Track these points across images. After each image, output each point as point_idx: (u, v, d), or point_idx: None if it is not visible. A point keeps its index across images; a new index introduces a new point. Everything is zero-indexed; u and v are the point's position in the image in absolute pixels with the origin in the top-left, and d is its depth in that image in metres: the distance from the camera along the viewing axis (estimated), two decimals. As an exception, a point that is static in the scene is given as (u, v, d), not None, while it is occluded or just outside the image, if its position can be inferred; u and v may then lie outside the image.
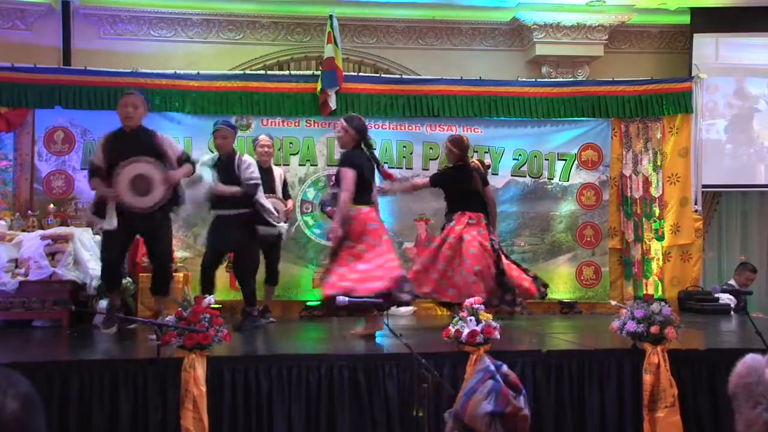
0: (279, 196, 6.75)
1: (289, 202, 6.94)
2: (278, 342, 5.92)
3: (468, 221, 6.30)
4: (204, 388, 4.08)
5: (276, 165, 7.14)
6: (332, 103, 7.67)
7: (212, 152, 7.63)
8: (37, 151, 7.52)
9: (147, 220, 5.57)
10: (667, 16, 8.80)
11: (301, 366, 4.37)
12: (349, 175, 5.43)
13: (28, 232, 6.75)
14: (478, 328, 4.50)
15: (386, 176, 5.89)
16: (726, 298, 7.58)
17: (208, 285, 5.99)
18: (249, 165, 6.06)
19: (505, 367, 1.98)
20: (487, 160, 7.42)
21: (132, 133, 5.63)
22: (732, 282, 8.14)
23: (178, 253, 7.26)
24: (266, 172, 6.58)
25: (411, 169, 7.96)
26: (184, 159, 5.77)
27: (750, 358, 1.69)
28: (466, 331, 4.51)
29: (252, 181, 5.97)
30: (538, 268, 7.66)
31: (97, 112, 7.48)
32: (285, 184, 6.99)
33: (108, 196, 5.52)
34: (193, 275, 7.15)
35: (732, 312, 7.44)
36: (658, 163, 8.28)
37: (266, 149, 6.80)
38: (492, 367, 1.96)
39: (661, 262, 8.20)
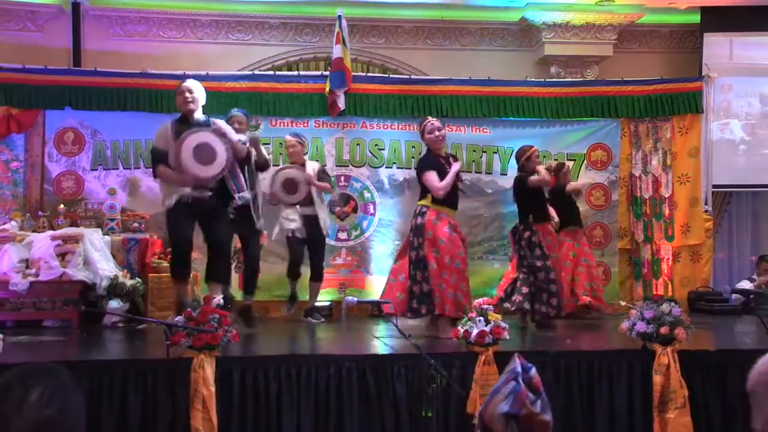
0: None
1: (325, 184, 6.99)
2: (287, 342, 5.93)
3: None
4: (213, 388, 4.09)
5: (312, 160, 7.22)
6: (341, 104, 7.68)
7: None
8: (48, 152, 7.55)
9: (205, 208, 5.47)
10: (677, 15, 8.76)
11: (310, 366, 4.37)
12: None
13: (39, 232, 6.78)
14: (487, 329, 4.51)
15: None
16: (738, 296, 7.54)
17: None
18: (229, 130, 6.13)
19: (533, 370, 1.97)
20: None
21: (192, 119, 5.56)
22: (754, 277, 8.13)
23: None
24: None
25: (420, 169, 7.94)
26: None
27: None
28: (475, 332, 4.51)
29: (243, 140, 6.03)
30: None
31: (107, 113, 7.52)
32: (323, 172, 7.00)
33: (175, 181, 5.41)
34: (202, 276, 7.16)
35: (744, 310, 7.39)
36: (668, 163, 8.24)
37: (291, 149, 6.90)
38: (519, 369, 1.96)
39: (671, 263, 8.16)
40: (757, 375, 1.67)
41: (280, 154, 7.54)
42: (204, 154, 5.34)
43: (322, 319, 6.87)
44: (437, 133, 5.84)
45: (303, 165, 6.79)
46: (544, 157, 8.09)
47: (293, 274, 6.86)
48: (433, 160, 5.82)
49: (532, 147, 6.68)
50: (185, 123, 5.53)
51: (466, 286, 5.62)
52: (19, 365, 1.49)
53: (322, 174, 6.93)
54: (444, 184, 5.62)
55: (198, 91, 5.62)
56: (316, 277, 6.96)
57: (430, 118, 6.09)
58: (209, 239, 5.65)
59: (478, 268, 7.56)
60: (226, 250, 5.77)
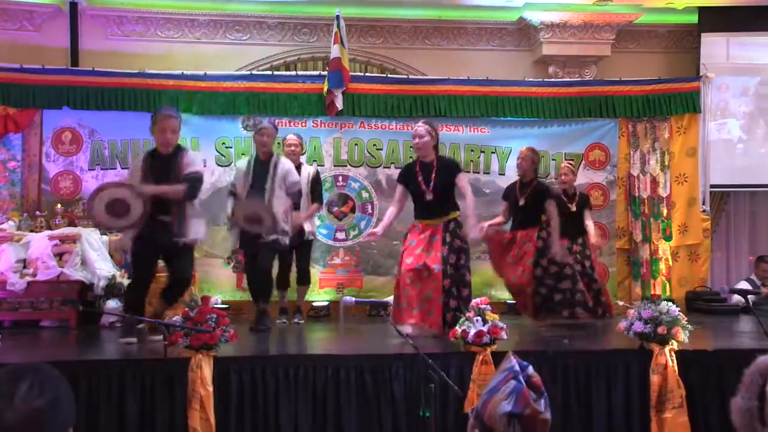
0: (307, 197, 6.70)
1: (313, 207, 6.75)
2: (285, 342, 5.93)
3: None
4: (211, 388, 4.09)
5: (309, 164, 7.22)
6: (339, 104, 7.67)
7: (220, 153, 7.69)
8: (45, 152, 7.54)
9: (167, 240, 5.26)
10: (675, 15, 8.77)
11: (308, 366, 4.37)
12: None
13: (36, 232, 6.77)
14: (485, 329, 4.51)
15: None
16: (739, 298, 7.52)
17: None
18: (289, 170, 6.13)
19: (530, 369, 1.97)
20: None
21: (167, 156, 5.34)
22: (752, 277, 8.14)
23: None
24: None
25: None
26: (186, 179, 5.29)
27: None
28: (472, 332, 4.51)
29: (296, 187, 6.11)
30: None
31: (104, 113, 7.51)
32: (316, 182, 6.84)
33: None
34: (200, 276, 7.17)
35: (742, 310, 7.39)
36: (666, 163, 8.25)
37: (293, 148, 6.80)
38: (517, 367, 1.95)
39: (669, 263, 8.17)
40: (753, 366, 1.67)
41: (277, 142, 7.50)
42: (119, 210, 5.09)
43: (302, 320, 6.77)
44: (415, 140, 5.71)
45: (298, 166, 6.72)
46: (542, 157, 8.10)
47: (281, 284, 6.68)
48: (405, 171, 5.81)
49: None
50: (159, 159, 5.39)
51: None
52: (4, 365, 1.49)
53: (315, 184, 6.82)
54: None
55: (178, 132, 5.47)
56: (303, 281, 6.89)
57: (420, 122, 5.92)
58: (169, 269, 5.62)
59: (477, 268, 7.55)
60: (183, 279, 5.51)
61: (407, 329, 5.08)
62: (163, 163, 5.29)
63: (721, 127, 8.69)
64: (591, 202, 7.39)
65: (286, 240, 6.04)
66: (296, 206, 6.21)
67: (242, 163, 6.38)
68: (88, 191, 7.47)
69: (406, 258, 5.52)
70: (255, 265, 5.98)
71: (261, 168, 6.11)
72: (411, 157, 7.77)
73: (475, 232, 5.68)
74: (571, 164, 7.43)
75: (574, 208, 6.98)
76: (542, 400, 1.93)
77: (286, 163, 6.20)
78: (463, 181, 5.76)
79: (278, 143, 6.80)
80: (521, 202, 6.44)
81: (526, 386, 1.92)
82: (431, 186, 5.61)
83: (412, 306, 5.39)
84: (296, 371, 4.34)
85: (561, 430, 4.49)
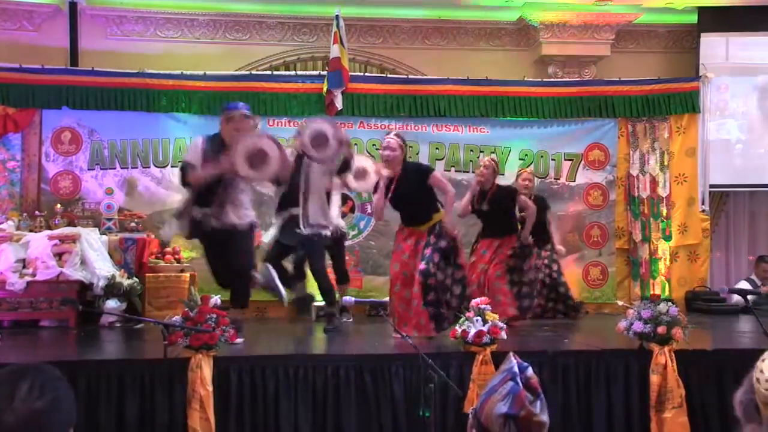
0: None
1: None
2: (285, 342, 5.92)
3: None
4: (210, 388, 4.09)
5: None
6: (339, 104, 7.68)
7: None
8: (45, 152, 7.54)
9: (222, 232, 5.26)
10: (674, 15, 8.77)
11: (308, 366, 4.37)
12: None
13: (36, 232, 6.77)
14: (485, 329, 4.51)
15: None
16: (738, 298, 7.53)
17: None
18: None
19: (530, 370, 1.97)
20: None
21: None
22: (752, 277, 8.15)
23: (185, 254, 7.27)
24: None
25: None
26: None
27: None
28: (472, 332, 4.51)
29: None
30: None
31: (104, 113, 7.51)
32: None
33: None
34: (200, 275, 7.16)
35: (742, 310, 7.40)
36: (665, 163, 8.25)
37: None
38: (515, 369, 1.96)
39: (668, 262, 8.17)
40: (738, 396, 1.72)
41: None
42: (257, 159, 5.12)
43: (350, 318, 6.81)
44: (386, 152, 5.53)
45: None
46: (542, 156, 8.11)
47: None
48: (379, 179, 5.73)
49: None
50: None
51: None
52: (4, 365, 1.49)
53: None
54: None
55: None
56: (342, 279, 6.82)
57: (392, 133, 5.80)
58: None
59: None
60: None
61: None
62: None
63: (721, 127, 8.69)
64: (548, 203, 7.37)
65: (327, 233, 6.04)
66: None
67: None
68: (87, 191, 7.51)
69: (393, 264, 5.57)
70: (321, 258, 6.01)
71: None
72: (410, 157, 7.77)
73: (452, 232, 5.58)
74: (531, 172, 7.35)
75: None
76: (538, 402, 1.93)
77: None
78: (437, 179, 5.63)
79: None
80: (485, 208, 6.34)
81: (523, 388, 1.92)
82: (389, 197, 5.56)
83: (405, 314, 5.42)
84: (296, 371, 4.34)
85: (561, 430, 4.49)
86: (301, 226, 5.85)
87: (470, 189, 6.53)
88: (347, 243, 7.82)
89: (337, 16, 7.69)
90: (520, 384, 1.93)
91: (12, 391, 1.35)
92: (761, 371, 1.56)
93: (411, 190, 5.51)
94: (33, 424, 1.35)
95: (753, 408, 1.60)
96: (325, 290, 6.06)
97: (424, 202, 5.56)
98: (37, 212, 7.15)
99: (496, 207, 6.32)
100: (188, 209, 5.31)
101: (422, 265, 5.34)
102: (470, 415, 2.03)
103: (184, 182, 5.36)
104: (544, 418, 1.93)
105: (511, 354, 2.03)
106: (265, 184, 5.83)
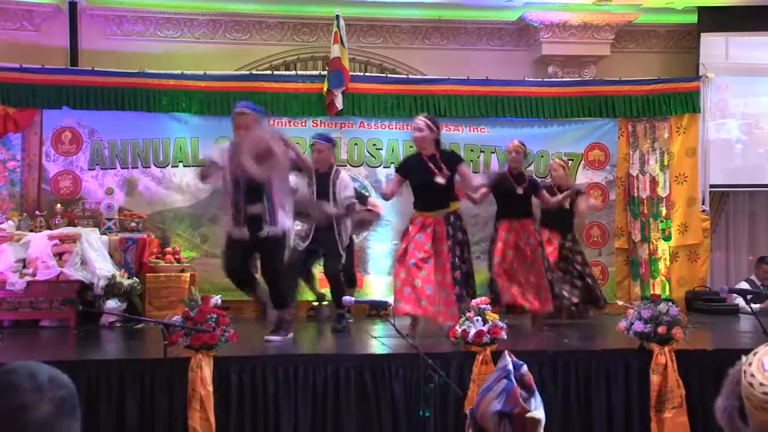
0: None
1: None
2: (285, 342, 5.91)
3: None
4: (211, 388, 4.09)
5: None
6: (339, 104, 7.68)
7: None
8: (45, 152, 7.54)
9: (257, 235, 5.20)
10: (674, 15, 8.77)
11: (308, 366, 4.38)
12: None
13: (36, 232, 6.77)
14: (485, 328, 4.51)
15: None
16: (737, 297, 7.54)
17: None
18: (347, 185, 6.09)
19: (524, 368, 1.97)
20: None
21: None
22: (753, 277, 8.15)
23: (185, 253, 7.27)
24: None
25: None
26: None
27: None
28: (472, 332, 4.51)
29: (349, 202, 6.02)
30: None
31: (104, 113, 7.51)
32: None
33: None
34: (200, 275, 7.17)
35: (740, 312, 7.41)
36: (665, 163, 8.25)
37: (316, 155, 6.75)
38: (510, 367, 1.95)
39: (668, 262, 8.17)
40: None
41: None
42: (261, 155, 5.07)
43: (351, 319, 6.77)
44: (415, 134, 5.73)
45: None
46: (542, 156, 8.11)
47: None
48: (405, 162, 5.91)
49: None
50: None
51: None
52: None
53: None
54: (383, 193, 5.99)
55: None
56: (350, 283, 6.87)
57: (421, 115, 5.95)
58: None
59: (475, 268, 7.54)
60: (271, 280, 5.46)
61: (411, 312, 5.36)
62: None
63: (721, 127, 8.70)
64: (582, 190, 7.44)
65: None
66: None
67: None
68: (87, 191, 7.51)
69: (417, 252, 5.52)
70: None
71: (321, 181, 6.05)
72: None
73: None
74: (562, 160, 7.43)
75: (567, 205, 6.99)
76: (533, 399, 1.93)
77: (345, 177, 6.19)
78: (466, 169, 5.82)
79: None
80: (519, 191, 6.44)
81: (517, 385, 1.92)
82: (443, 171, 5.61)
83: (420, 297, 5.43)
84: (296, 371, 4.34)
85: (561, 429, 4.49)
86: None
87: (487, 176, 6.61)
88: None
89: (337, 16, 7.69)
90: (514, 381, 1.93)
91: (36, 385, 1.37)
92: (752, 375, 1.50)
93: (432, 175, 5.61)
94: (63, 410, 1.37)
95: (738, 415, 1.58)
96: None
97: (450, 188, 5.69)
98: (37, 212, 7.15)
99: (528, 192, 6.48)
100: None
101: (449, 262, 5.48)
102: (467, 415, 2.03)
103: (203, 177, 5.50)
104: (539, 414, 1.93)
105: (506, 352, 2.03)
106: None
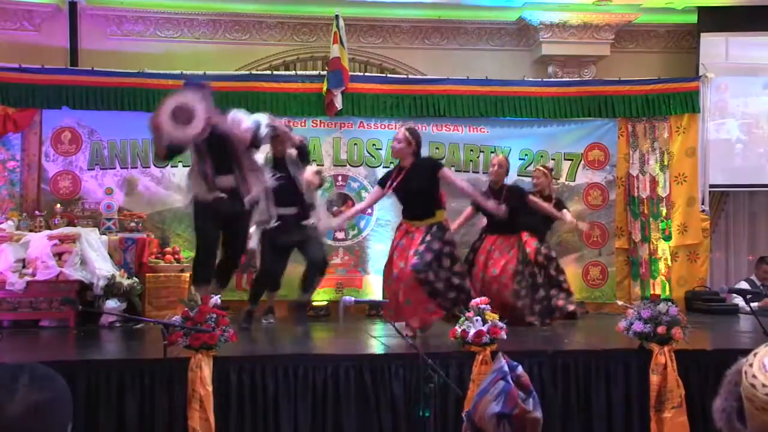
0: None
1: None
2: (284, 342, 5.93)
3: None
4: (210, 388, 4.09)
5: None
6: (338, 103, 7.68)
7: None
8: (45, 152, 7.53)
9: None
10: (674, 15, 8.77)
11: (307, 366, 4.37)
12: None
13: (36, 232, 6.77)
14: (485, 328, 4.51)
15: None
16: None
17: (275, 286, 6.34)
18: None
19: (519, 369, 1.97)
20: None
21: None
22: (753, 278, 8.14)
23: (185, 253, 7.27)
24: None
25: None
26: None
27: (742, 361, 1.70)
28: (472, 332, 4.51)
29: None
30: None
31: (104, 113, 7.51)
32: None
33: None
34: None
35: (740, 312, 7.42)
36: (665, 163, 8.25)
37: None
38: (506, 368, 1.95)
39: (668, 262, 8.17)
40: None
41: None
42: (181, 116, 5.20)
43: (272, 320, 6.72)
44: (393, 144, 5.78)
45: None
46: (541, 156, 8.11)
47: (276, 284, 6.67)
48: (386, 175, 5.87)
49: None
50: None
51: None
52: None
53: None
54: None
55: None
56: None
57: (403, 127, 5.91)
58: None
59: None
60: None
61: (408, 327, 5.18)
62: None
63: (721, 127, 8.70)
64: (565, 204, 7.46)
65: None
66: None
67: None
68: (87, 191, 7.51)
69: (399, 261, 5.48)
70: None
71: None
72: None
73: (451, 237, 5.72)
74: (544, 168, 7.41)
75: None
76: (531, 399, 1.93)
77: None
78: (447, 173, 5.73)
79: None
80: (501, 213, 6.30)
81: (514, 386, 1.92)
82: (394, 186, 5.61)
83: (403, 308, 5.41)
84: (296, 371, 4.34)
85: (561, 429, 4.49)
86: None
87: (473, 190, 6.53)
88: (347, 243, 7.85)
89: (337, 15, 7.69)
90: (511, 383, 1.93)
91: (13, 385, 1.37)
92: (754, 376, 1.47)
93: (418, 182, 5.55)
94: (34, 416, 1.37)
95: (736, 416, 1.56)
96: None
97: (429, 197, 5.59)
98: (37, 212, 7.15)
99: (510, 206, 6.34)
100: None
101: (414, 260, 5.33)
102: (464, 418, 2.03)
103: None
104: (538, 414, 1.93)
105: (500, 354, 2.04)
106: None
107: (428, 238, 5.43)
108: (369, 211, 7.86)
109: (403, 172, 5.58)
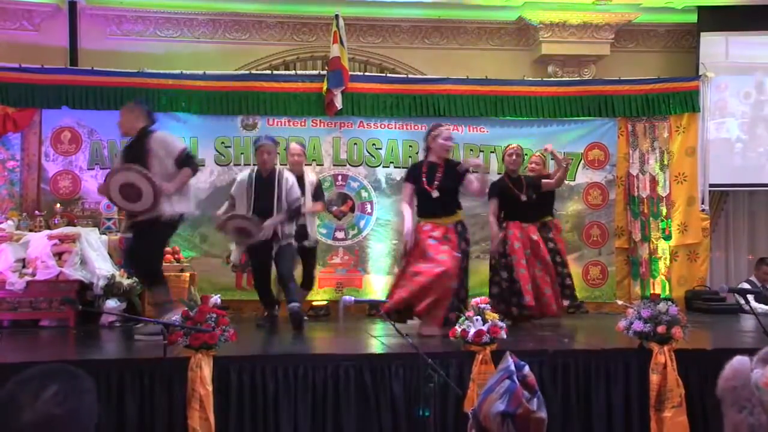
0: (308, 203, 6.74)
1: (318, 204, 6.93)
2: (284, 342, 5.92)
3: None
4: (210, 388, 4.08)
5: (308, 165, 7.32)
6: (338, 103, 7.68)
7: (220, 153, 7.69)
8: (44, 151, 7.54)
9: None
10: (674, 14, 8.77)
11: (307, 366, 4.37)
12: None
13: (36, 232, 6.77)
14: (485, 328, 4.51)
15: None
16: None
17: (270, 299, 6.43)
18: (292, 185, 6.21)
19: (526, 368, 1.97)
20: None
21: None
22: (753, 278, 8.15)
23: (184, 254, 7.27)
24: (297, 181, 6.48)
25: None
26: (183, 160, 5.44)
27: (737, 361, 1.68)
28: (472, 331, 4.51)
29: (297, 203, 6.21)
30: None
31: (104, 113, 7.49)
32: (318, 187, 6.98)
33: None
34: (200, 275, 7.17)
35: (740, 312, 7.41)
36: (665, 163, 8.25)
37: (296, 158, 6.84)
38: (512, 367, 1.95)
39: (668, 262, 8.17)
40: (723, 381, 1.66)
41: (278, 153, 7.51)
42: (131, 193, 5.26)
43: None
44: (449, 143, 5.88)
45: (301, 176, 6.73)
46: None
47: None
48: (412, 170, 5.99)
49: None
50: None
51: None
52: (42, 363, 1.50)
53: (318, 189, 6.93)
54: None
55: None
56: (307, 285, 7.05)
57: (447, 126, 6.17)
58: None
59: (476, 268, 7.54)
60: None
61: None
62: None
63: (720, 126, 8.70)
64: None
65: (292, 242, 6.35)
66: (291, 219, 6.29)
67: (244, 175, 6.41)
68: (87, 191, 7.52)
69: (438, 255, 5.52)
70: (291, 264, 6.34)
71: (264, 183, 6.18)
72: (410, 156, 7.80)
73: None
74: (543, 155, 7.36)
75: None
76: (535, 399, 1.93)
77: (290, 179, 6.26)
78: (471, 177, 5.84)
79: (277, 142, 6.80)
80: (523, 198, 6.52)
81: (519, 386, 1.92)
82: (435, 185, 5.72)
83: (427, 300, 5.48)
84: (296, 371, 4.34)
85: (561, 429, 4.49)
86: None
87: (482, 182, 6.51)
88: (347, 242, 7.85)
89: (336, 15, 7.70)
90: (517, 382, 1.93)
91: (38, 391, 1.37)
92: None
93: (450, 182, 5.74)
94: (47, 427, 1.36)
95: None
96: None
97: (455, 196, 5.83)
98: (36, 212, 7.15)
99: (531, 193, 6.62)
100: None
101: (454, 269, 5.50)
102: (470, 416, 2.04)
103: None
104: (542, 414, 1.93)
105: (507, 353, 2.03)
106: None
107: (458, 239, 5.64)
108: (368, 210, 7.88)
109: (441, 170, 5.75)
